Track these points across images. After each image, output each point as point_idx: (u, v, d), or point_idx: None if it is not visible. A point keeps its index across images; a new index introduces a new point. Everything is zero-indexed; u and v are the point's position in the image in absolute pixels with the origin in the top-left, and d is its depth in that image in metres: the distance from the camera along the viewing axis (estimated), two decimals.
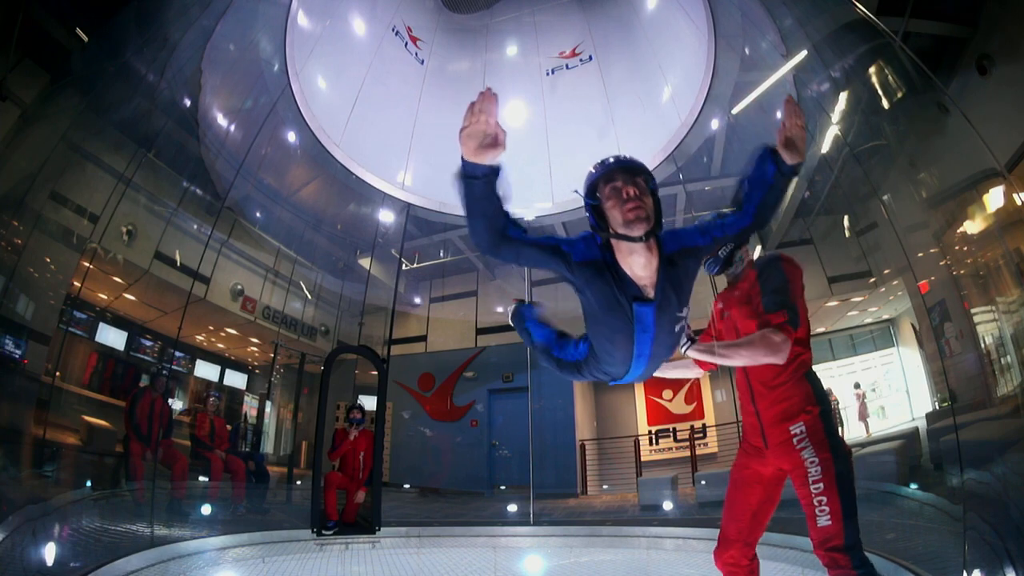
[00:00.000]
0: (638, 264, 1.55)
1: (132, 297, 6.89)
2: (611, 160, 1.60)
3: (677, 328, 1.68)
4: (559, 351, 2.00)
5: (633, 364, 1.72)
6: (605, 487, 9.56)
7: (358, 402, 6.02)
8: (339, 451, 5.40)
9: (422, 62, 6.70)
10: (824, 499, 1.75)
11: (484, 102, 1.30)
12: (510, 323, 2.31)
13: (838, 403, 9.37)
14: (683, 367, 2.23)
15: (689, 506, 6.52)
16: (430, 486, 9.60)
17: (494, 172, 1.35)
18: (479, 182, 1.35)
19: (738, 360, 1.86)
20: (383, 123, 6.69)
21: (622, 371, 1.78)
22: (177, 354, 7.99)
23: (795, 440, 1.84)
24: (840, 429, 9.13)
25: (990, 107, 4.20)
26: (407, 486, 9.63)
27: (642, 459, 9.78)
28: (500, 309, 10.45)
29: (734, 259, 2.17)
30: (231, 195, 6.73)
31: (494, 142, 1.31)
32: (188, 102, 5.68)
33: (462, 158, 1.33)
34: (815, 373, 1.96)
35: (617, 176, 1.55)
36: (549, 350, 2.05)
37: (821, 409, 1.85)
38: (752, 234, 1.78)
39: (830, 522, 1.73)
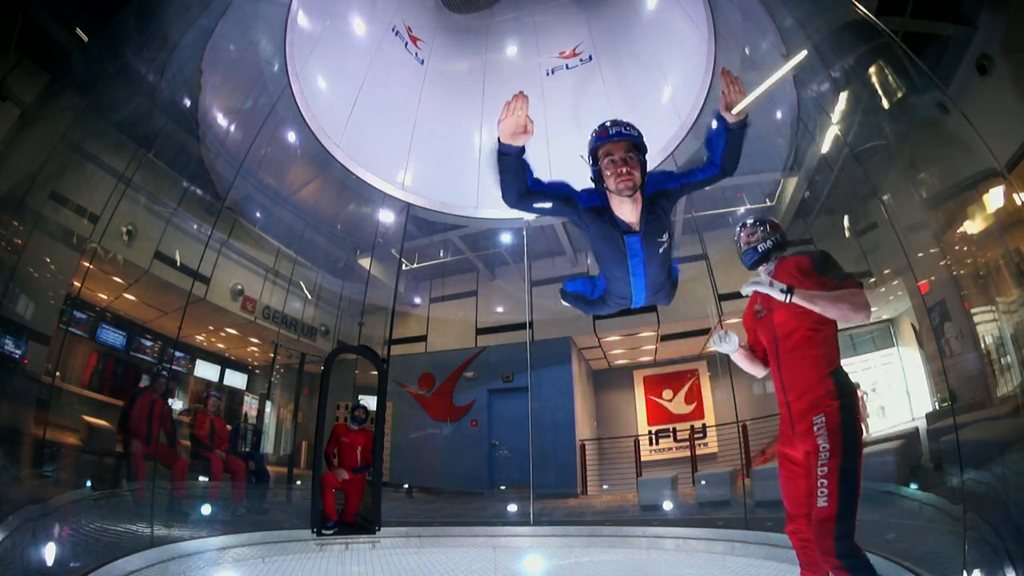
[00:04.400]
0: (626, 211, 2.02)
1: (132, 297, 6.89)
2: (609, 130, 2.00)
3: (661, 251, 2.11)
4: (591, 293, 2.48)
5: (633, 283, 2.18)
6: (605, 487, 9.56)
7: (361, 403, 6.00)
8: (330, 445, 5.42)
9: (422, 62, 6.70)
10: (826, 481, 1.90)
11: (519, 101, 1.81)
12: (564, 302, 2.71)
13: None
14: (750, 361, 2.40)
15: (689, 506, 6.51)
16: (423, 485, 9.60)
17: (521, 150, 1.87)
18: (511, 158, 1.87)
19: (833, 312, 2.01)
20: (383, 123, 6.69)
21: (628, 291, 2.23)
22: (177, 354, 7.99)
23: (815, 428, 2.01)
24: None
25: (990, 107, 4.20)
26: (407, 486, 9.63)
27: (642, 459, 9.78)
28: (500, 309, 10.46)
29: (770, 257, 2.36)
30: (231, 195, 6.72)
31: (524, 130, 1.82)
32: (188, 102, 5.68)
33: (498, 139, 1.84)
34: (842, 370, 2.12)
35: (612, 148, 1.97)
36: (585, 296, 2.51)
37: (841, 403, 2.01)
38: (720, 180, 2.09)
39: (827, 504, 1.88)
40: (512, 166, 1.88)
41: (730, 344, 2.33)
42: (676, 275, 2.43)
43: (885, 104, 4.27)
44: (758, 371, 2.42)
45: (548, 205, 2.05)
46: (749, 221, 2.47)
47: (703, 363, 11.07)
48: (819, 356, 2.10)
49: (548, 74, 6.80)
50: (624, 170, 1.93)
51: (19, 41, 4.38)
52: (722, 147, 2.02)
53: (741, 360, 2.42)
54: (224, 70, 5.73)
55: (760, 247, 2.35)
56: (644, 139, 2.03)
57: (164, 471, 5.30)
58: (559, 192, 2.04)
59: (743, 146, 2.04)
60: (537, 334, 9.00)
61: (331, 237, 9.37)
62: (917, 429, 6.30)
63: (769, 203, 7.70)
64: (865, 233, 6.36)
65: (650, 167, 2.03)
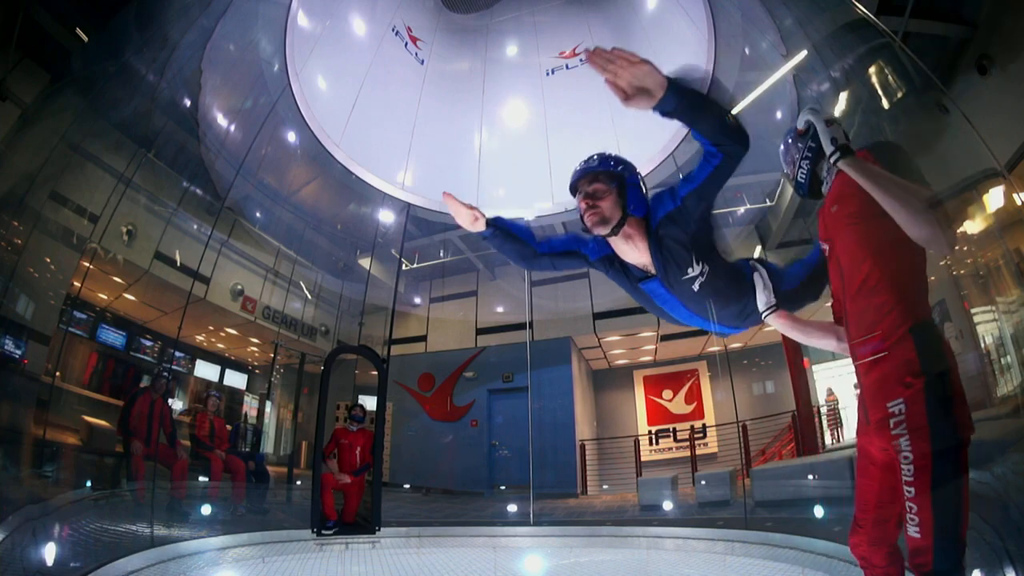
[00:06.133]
0: (627, 252, 1.75)
1: (132, 297, 6.89)
2: (577, 167, 1.76)
3: (698, 288, 1.71)
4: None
5: (695, 324, 1.90)
6: (605, 487, 9.57)
7: (359, 402, 6.01)
8: (329, 447, 5.43)
9: (422, 62, 6.70)
10: (915, 506, 1.34)
11: (448, 202, 1.84)
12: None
13: (837, 402, 9.38)
14: (826, 335, 1.74)
15: (689, 506, 6.51)
16: (428, 485, 9.61)
17: (497, 228, 1.86)
18: (491, 238, 1.87)
19: (894, 203, 1.37)
20: (383, 123, 6.69)
21: (709, 327, 1.94)
22: (177, 354, 7.99)
23: (892, 421, 1.38)
24: (839, 430, 9.15)
25: (990, 107, 4.20)
26: (407, 486, 9.64)
27: (642, 459, 9.78)
28: (500, 309, 10.46)
29: (821, 175, 1.67)
30: (231, 195, 6.73)
31: (474, 220, 1.84)
32: (188, 102, 5.68)
33: None
34: (931, 327, 1.45)
35: (579, 184, 1.73)
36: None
37: (928, 382, 1.36)
38: (734, 167, 1.60)
39: (919, 535, 1.33)
40: (500, 241, 1.87)
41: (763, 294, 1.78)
42: (748, 274, 1.87)
43: (885, 104, 4.27)
44: (806, 335, 1.80)
45: (561, 262, 1.94)
46: (789, 138, 1.77)
47: (703, 363, 11.08)
48: (894, 302, 1.42)
49: (548, 74, 6.80)
50: (586, 204, 1.68)
51: (19, 41, 4.38)
52: (696, 133, 1.53)
53: (787, 326, 1.78)
54: (224, 70, 5.73)
55: (801, 174, 1.68)
56: (619, 165, 1.72)
57: (164, 471, 5.30)
58: (567, 248, 1.91)
59: (723, 115, 1.51)
60: (537, 334, 9.01)
61: (331, 237, 9.38)
62: None
63: (769, 203, 7.70)
64: None
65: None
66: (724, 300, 1.79)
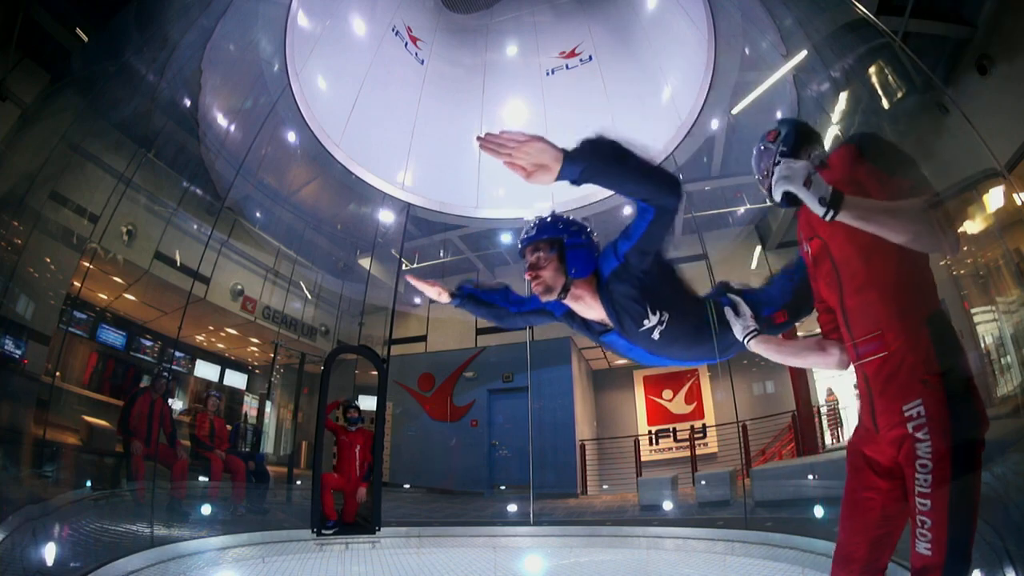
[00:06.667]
0: (582, 309, 1.77)
1: (132, 297, 6.89)
2: (522, 236, 1.77)
3: (658, 336, 1.66)
4: None
5: (676, 365, 1.98)
6: (605, 487, 9.56)
7: (355, 402, 6.00)
8: (328, 427, 5.40)
9: (422, 62, 6.70)
10: (928, 521, 1.21)
11: (416, 286, 2.03)
12: None
13: (837, 402, 9.38)
14: (814, 353, 1.61)
15: (689, 506, 6.51)
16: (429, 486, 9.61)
17: (464, 297, 2.01)
18: (463, 306, 2.02)
19: (899, 231, 1.23)
20: (383, 123, 6.70)
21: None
22: (177, 354, 7.99)
23: (910, 426, 1.24)
24: (839, 430, 9.14)
25: (990, 107, 4.20)
26: (407, 486, 9.64)
27: (642, 459, 9.78)
28: None
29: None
30: (231, 195, 6.73)
31: (439, 295, 2.01)
32: (188, 102, 5.68)
33: None
34: (944, 316, 1.32)
35: (523, 252, 1.76)
36: None
37: (949, 378, 1.24)
38: (671, 220, 1.52)
39: (930, 551, 1.22)
40: (472, 307, 2.02)
41: (739, 325, 1.65)
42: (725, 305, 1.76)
43: (885, 104, 4.27)
44: (796, 356, 1.68)
45: (533, 319, 2.02)
46: (761, 145, 1.60)
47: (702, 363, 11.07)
48: (904, 291, 1.31)
49: (548, 74, 6.80)
50: (529, 275, 1.72)
51: (19, 41, 4.39)
52: (621, 190, 1.50)
53: (772, 351, 1.64)
54: (224, 70, 5.73)
55: (777, 179, 1.33)
56: (559, 229, 1.70)
57: (164, 471, 5.30)
58: (536, 306, 1.94)
59: (644, 171, 1.44)
60: (537, 334, 9.00)
61: (331, 237, 9.39)
62: None
63: (769, 203, 7.71)
64: None
65: None
66: (694, 340, 1.75)
